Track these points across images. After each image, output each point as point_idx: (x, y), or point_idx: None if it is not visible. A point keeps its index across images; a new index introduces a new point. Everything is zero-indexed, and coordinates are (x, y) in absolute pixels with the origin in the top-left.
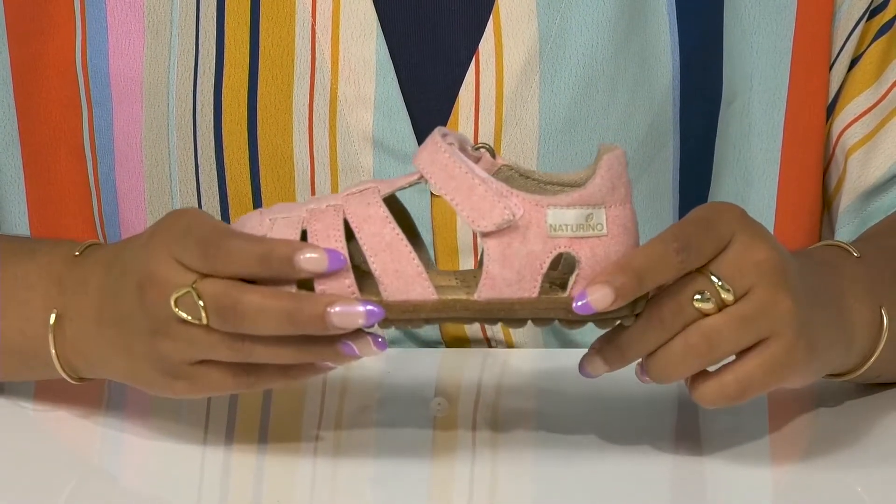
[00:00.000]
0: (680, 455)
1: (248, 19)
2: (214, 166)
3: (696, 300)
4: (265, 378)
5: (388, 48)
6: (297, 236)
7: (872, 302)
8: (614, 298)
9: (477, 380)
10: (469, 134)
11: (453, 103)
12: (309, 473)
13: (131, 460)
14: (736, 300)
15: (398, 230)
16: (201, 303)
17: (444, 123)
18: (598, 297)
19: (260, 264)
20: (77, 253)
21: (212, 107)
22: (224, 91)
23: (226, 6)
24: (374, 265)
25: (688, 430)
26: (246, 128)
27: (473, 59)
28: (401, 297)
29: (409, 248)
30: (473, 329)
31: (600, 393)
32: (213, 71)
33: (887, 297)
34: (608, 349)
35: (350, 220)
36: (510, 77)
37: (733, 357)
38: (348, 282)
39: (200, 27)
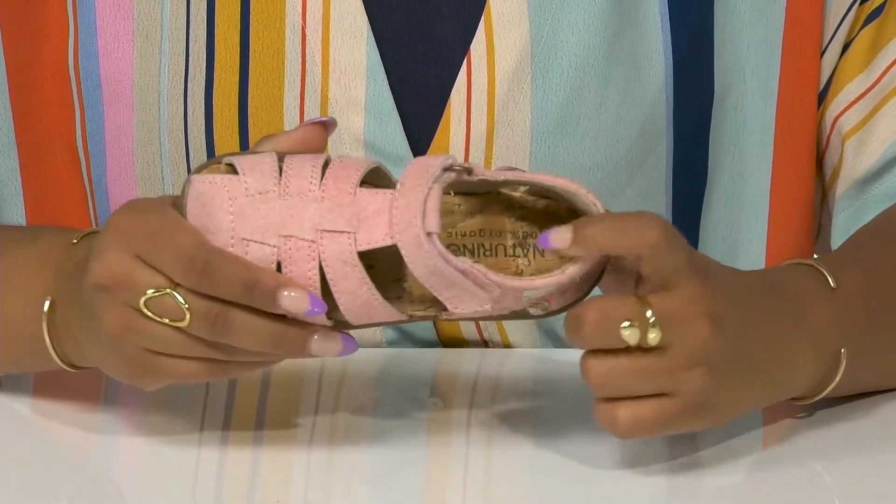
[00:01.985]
0: (675, 454)
1: (238, 22)
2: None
3: (624, 327)
4: (235, 369)
5: (379, 50)
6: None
7: (832, 346)
8: (570, 244)
9: (473, 379)
10: (461, 136)
11: (444, 105)
12: (304, 472)
13: (126, 457)
14: (655, 347)
15: (373, 290)
16: (185, 305)
17: (436, 126)
18: (558, 238)
19: (242, 290)
20: (75, 241)
21: (203, 110)
22: (215, 94)
23: (216, 9)
24: (346, 314)
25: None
26: (237, 131)
27: (465, 60)
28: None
29: (385, 304)
30: (469, 330)
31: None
32: (204, 74)
33: (853, 336)
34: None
35: (326, 270)
36: (502, 78)
37: None
38: (320, 317)
39: (190, 31)
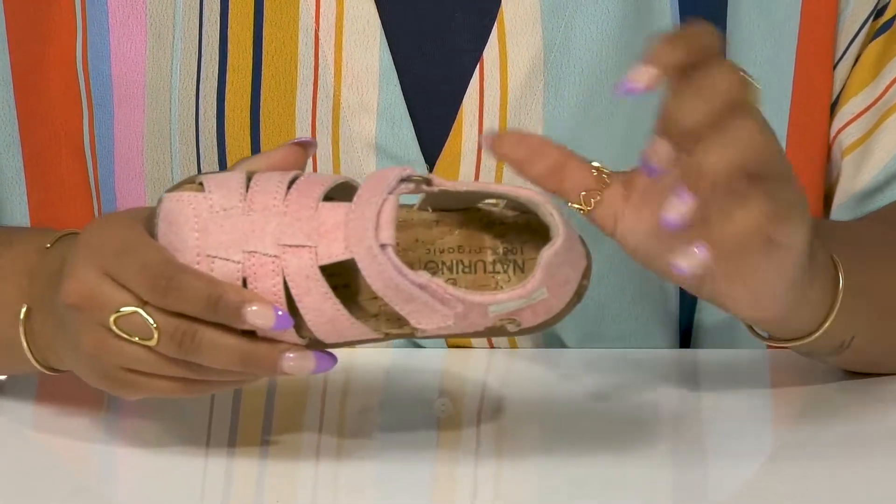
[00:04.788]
0: (683, 453)
1: (252, 24)
2: (217, 171)
3: None
4: (209, 387)
5: (392, 55)
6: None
7: (826, 255)
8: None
9: (480, 380)
10: (473, 141)
11: (457, 111)
12: (311, 474)
13: (133, 463)
14: None
15: (339, 306)
16: (153, 324)
17: (448, 131)
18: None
19: (207, 306)
20: (48, 245)
21: (215, 111)
22: (227, 96)
23: (229, 10)
24: (316, 331)
25: (690, 428)
26: (249, 133)
27: (477, 66)
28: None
29: (353, 321)
30: None
31: (604, 393)
32: (216, 75)
33: (841, 257)
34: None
35: (290, 286)
36: (514, 85)
37: None
38: (289, 334)
39: (203, 31)
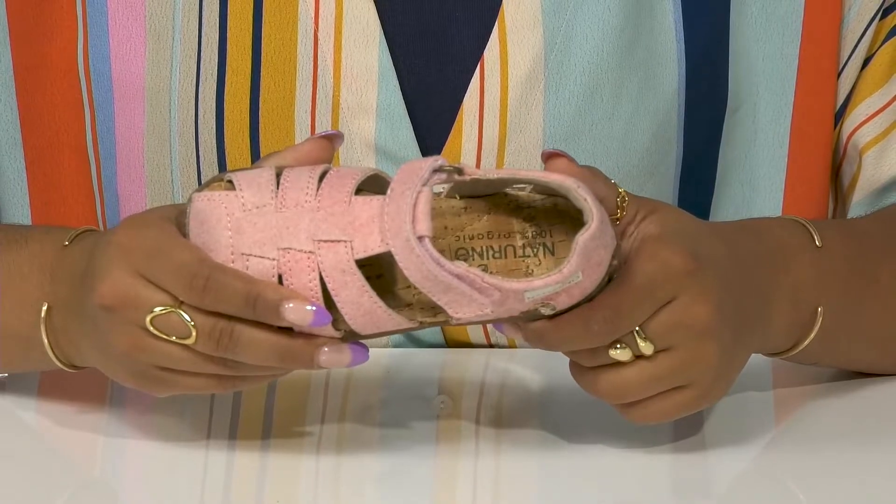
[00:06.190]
0: (682, 451)
1: (251, 25)
2: (217, 173)
3: (612, 351)
4: (243, 383)
5: (392, 55)
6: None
7: (810, 303)
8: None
9: (480, 379)
10: (473, 142)
11: (457, 111)
12: (312, 473)
13: (132, 461)
14: (655, 352)
15: (375, 298)
16: (192, 322)
17: (448, 131)
18: (510, 334)
19: (245, 305)
20: (66, 242)
21: (214, 113)
22: (226, 97)
23: (228, 12)
24: (353, 324)
25: (690, 426)
26: (248, 135)
27: (478, 66)
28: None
29: (390, 312)
30: (477, 335)
31: None
32: (216, 77)
33: (832, 298)
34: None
35: (326, 280)
36: (515, 84)
37: None
38: (326, 328)
39: (203, 33)
